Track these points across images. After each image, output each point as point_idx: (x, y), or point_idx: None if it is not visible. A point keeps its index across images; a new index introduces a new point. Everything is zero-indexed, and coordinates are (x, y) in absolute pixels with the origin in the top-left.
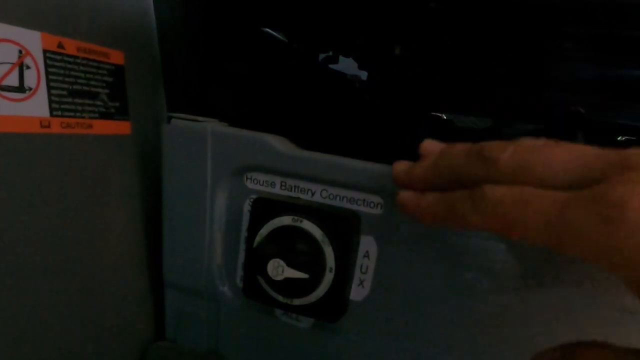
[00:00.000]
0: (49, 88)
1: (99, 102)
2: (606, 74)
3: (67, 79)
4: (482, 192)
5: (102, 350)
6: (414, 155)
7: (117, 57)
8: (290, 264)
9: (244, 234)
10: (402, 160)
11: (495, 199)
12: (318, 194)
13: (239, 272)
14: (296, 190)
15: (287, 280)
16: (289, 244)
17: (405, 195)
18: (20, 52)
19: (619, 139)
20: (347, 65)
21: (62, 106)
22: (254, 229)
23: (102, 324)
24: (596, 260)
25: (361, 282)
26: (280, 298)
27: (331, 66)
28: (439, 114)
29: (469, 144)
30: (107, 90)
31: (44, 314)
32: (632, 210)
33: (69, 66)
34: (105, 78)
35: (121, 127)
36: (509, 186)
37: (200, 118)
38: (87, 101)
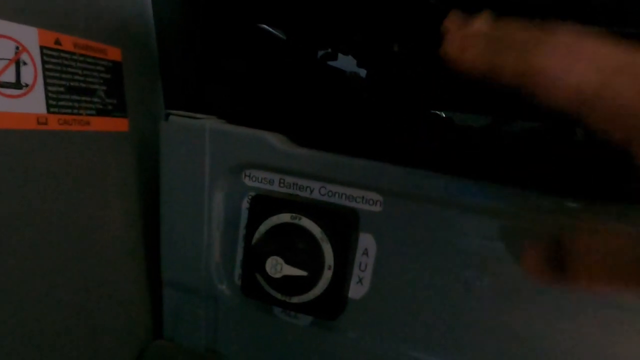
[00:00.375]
0: (46, 84)
1: (96, 99)
2: None
3: (64, 76)
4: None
5: (100, 349)
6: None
7: (114, 53)
8: (288, 262)
9: (242, 231)
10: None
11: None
12: (317, 192)
13: (238, 270)
14: (295, 187)
15: (286, 277)
16: (288, 242)
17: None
18: (17, 48)
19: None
20: (346, 62)
21: (59, 103)
22: (252, 226)
23: (100, 322)
24: None
25: (360, 280)
26: (278, 296)
27: (330, 63)
28: (437, 112)
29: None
30: (104, 87)
31: (40, 313)
32: None
33: (66, 62)
34: (103, 75)
35: (119, 124)
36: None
37: (198, 115)
38: (84, 98)
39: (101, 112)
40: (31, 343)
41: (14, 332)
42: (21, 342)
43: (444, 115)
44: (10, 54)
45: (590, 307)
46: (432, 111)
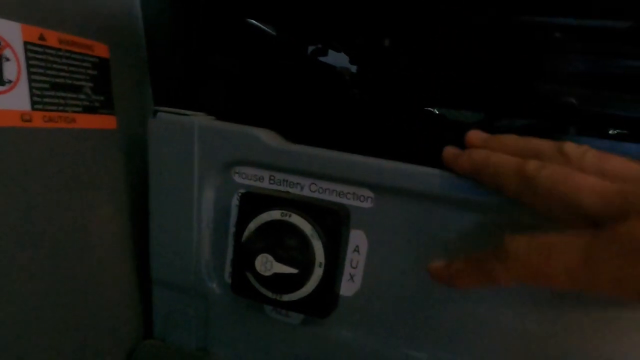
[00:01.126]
0: (30, 81)
1: (82, 96)
2: (598, 66)
3: (49, 72)
4: (505, 248)
5: (90, 349)
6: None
7: (101, 49)
8: (279, 259)
9: (232, 229)
10: (453, 147)
11: (518, 253)
12: (307, 188)
13: (228, 269)
14: (285, 184)
15: (276, 275)
16: (278, 239)
17: (435, 267)
18: None
19: (610, 132)
20: (337, 57)
21: (44, 99)
22: (242, 223)
23: (90, 322)
24: (626, 294)
25: (351, 277)
26: (269, 294)
27: (321, 59)
28: (430, 108)
29: (519, 144)
30: (91, 84)
31: (29, 313)
32: None
33: (51, 59)
34: (89, 71)
35: (106, 122)
36: (531, 236)
37: (187, 112)
38: (70, 95)
39: (87, 109)
40: (20, 342)
41: (2, 331)
42: (10, 341)
43: (436, 112)
44: None
45: (581, 302)
46: (425, 108)
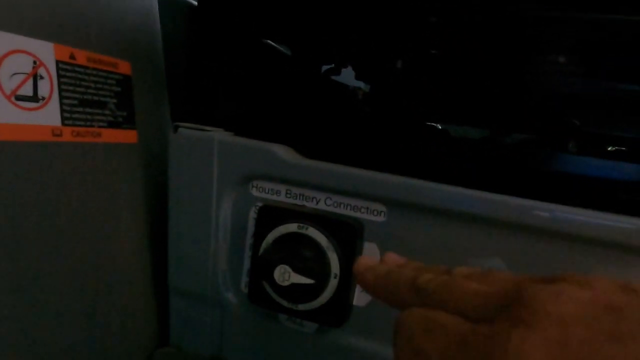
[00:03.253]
0: (61, 97)
1: (107, 112)
2: (599, 86)
3: (78, 89)
4: (400, 316)
5: (107, 356)
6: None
7: (124, 67)
8: (296, 270)
9: (249, 240)
10: (366, 257)
11: (406, 325)
12: (323, 202)
13: (244, 278)
14: (301, 198)
15: (293, 285)
16: (295, 251)
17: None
18: (34, 62)
19: (609, 149)
20: (350, 77)
21: (73, 115)
22: (259, 235)
23: (107, 329)
24: None
25: None
26: (285, 303)
27: (334, 77)
28: (434, 124)
29: (410, 268)
30: (115, 100)
31: (50, 318)
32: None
33: (80, 76)
34: (114, 88)
35: (128, 136)
36: (421, 313)
37: (207, 127)
38: (96, 110)
39: (112, 124)
40: (39, 348)
41: (25, 335)
42: (31, 345)
43: (439, 127)
44: (28, 68)
45: None
46: (428, 123)
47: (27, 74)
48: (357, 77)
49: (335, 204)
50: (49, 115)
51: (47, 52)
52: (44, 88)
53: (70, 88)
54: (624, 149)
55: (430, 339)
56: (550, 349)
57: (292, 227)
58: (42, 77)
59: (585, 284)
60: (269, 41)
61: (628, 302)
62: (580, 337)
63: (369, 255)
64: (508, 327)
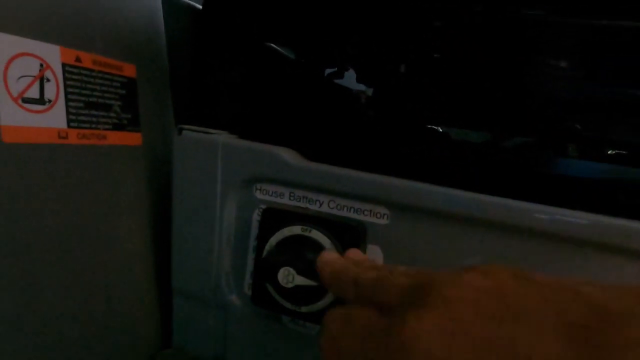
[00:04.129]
0: (67, 100)
1: (112, 114)
2: (601, 90)
3: (83, 92)
4: (324, 317)
5: (109, 358)
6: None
7: (129, 70)
8: (300, 272)
9: (252, 243)
10: (329, 252)
11: (327, 324)
12: (326, 205)
13: (247, 280)
14: (304, 200)
15: (297, 287)
16: (299, 253)
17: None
18: (41, 65)
19: (609, 152)
20: (353, 80)
21: (79, 118)
22: (263, 238)
23: (110, 331)
24: None
25: None
26: (288, 305)
27: (337, 81)
28: (435, 127)
29: (365, 266)
30: (119, 102)
31: (52, 319)
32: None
33: (86, 79)
34: (119, 90)
35: (133, 138)
36: (340, 311)
37: (211, 130)
38: (101, 113)
39: (117, 127)
40: (42, 351)
41: (26, 336)
42: (32, 346)
43: (440, 130)
44: (35, 71)
45: None
46: (429, 126)
47: (34, 76)
48: (359, 80)
49: (339, 207)
50: (55, 118)
51: (53, 55)
52: (50, 91)
53: (76, 91)
54: (624, 152)
55: (346, 335)
56: (441, 328)
57: (295, 230)
58: (48, 80)
59: (488, 273)
60: (272, 45)
61: (515, 288)
62: (466, 318)
63: (374, 257)
64: (404, 312)
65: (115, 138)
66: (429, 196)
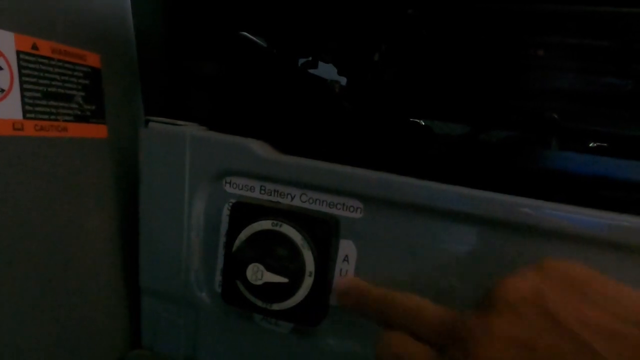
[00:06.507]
0: (23, 90)
1: (74, 105)
2: (579, 82)
3: (41, 81)
4: (381, 336)
5: (76, 358)
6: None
7: (93, 59)
8: (269, 269)
9: (222, 238)
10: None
11: (383, 342)
12: (298, 198)
13: (218, 278)
14: (276, 194)
15: (267, 284)
16: (269, 249)
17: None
18: None
19: (590, 145)
20: (327, 70)
21: (36, 108)
22: (232, 233)
23: (77, 331)
24: None
25: None
26: (259, 303)
27: (312, 71)
28: (417, 120)
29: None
30: (82, 93)
31: (14, 320)
32: None
33: (44, 68)
34: (81, 80)
35: (97, 131)
36: (396, 334)
37: (178, 122)
38: (61, 104)
39: (79, 118)
40: (7, 351)
41: None
42: None
43: (422, 124)
44: None
45: None
46: (411, 119)
47: None
48: (340, 73)
49: (311, 201)
50: (9, 109)
51: (6, 42)
52: (3, 79)
53: (33, 80)
54: (605, 144)
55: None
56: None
57: (266, 225)
58: (1, 68)
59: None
60: (245, 33)
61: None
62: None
63: (347, 253)
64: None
65: (78, 130)
66: (403, 189)
